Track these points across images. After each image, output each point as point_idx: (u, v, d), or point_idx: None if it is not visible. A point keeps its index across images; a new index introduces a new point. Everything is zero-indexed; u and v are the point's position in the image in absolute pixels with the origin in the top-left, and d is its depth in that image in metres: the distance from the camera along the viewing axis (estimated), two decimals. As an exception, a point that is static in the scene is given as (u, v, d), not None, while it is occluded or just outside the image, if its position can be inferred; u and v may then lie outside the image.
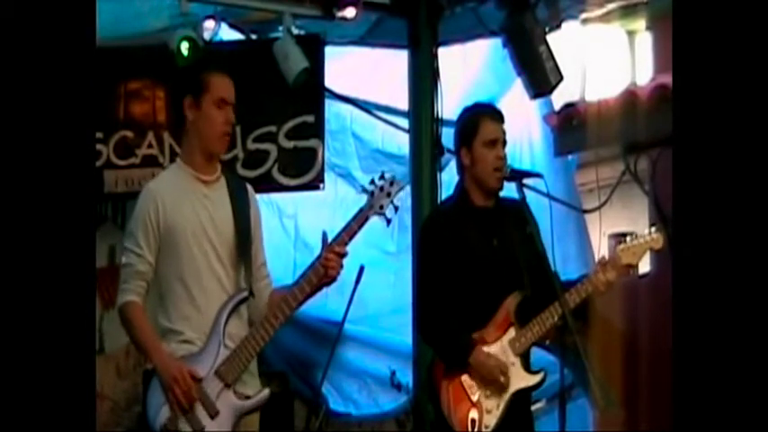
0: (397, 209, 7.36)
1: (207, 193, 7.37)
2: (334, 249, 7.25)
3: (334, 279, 7.28)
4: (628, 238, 8.35)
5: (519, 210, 8.06)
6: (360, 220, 7.29)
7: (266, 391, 7.35)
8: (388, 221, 7.35)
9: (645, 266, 8.95)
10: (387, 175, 7.41)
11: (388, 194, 7.32)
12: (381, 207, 7.29)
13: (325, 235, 7.35)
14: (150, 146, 10.32)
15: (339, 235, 7.31)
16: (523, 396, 8.21)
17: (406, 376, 10.12)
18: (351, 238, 7.29)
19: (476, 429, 8.05)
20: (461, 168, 8.21)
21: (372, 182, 7.36)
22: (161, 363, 7.27)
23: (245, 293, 7.33)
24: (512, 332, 8.00)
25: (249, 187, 7.54)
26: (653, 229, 8.43)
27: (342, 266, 7.25)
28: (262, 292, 7.41)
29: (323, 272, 7.22)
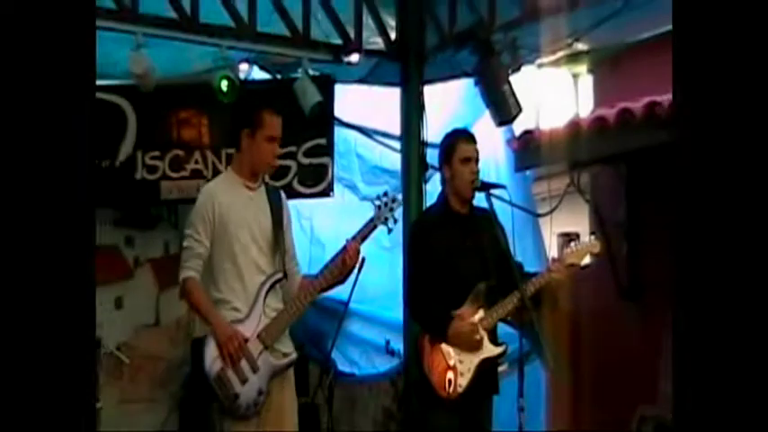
0: (396, 221, 7.75)
1: (252, 197, 7.72)
2: (355, 245, 7.71)
3: (353, 268, 7.71)
4: (573, 244, 8.55)
5: (488, 216, 8.24)
6: (370, 227, 7.73)
7: (295, 355, 7.69)
8: (390, 230, 7.79)
9: (587, 260, 8.98)
10: (389, 194, 7.81)
11: (391, 209, 7.72)
12: (386, 219, 7.70)
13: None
14: (197, 162, 10.53)
15: (360, 233, 7.74)
16: (490, 363, 8.34)
17: (398, 345, 10.22)
18: (363, 239, 7.70)
19: (451, 387, 8.20)
20: (443, 181, 8.39)
21: (378, 197, 7.77)
22: (218, 324, 7.55)
23: (281, 275, 7.65)
24: (481, 312, 8.19)
25: (283, 195, 7.94)
26: (592, 237, 8.68)
27: (357, 259, 7.67)
28: (292, 276, 7.73)
29: (342, 262, 7.64)
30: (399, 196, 7.94)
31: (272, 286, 7.64)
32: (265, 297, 7.59)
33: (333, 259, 7.67)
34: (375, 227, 7.73)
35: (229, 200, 7.65)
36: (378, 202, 7.77)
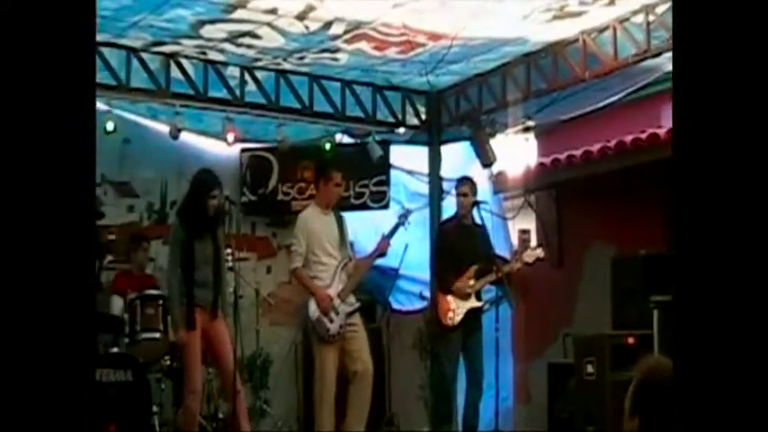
0: (409, 223, 8.29)
1: (325, 219, 8.06)
2: (385, 241, 8.11)
3: (384, 254, 8.16)
4: (528, 251, 8.82)
5: (481, 225, 8.61)
6: (394, 228, 8.20)
7: (357, 303, 8.11)
8: (406, 229, 8.26)
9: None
10: (404, 209, 8.52)
11: (405, 218, 8.25)
12: (403, 224, 8.20)
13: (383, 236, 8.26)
14: (311, 190, 10.43)
15: (388, 235, 8.16)
16: (476, 311, 8.69)
17: (427, 293, 10.20)
18: (391, 236, 8.15)
19: (450, 321, 8.61)
20: (456, 205, 8.88)
21: (400, 214, 8.35)
22: (316, 291, 7.93)
23: (347, 260, 8.06)
24: (472, 281, 8.65)
25: (343, 215, 8.27)
26: (539, 248, 8.85)
27: (387, 247, 8.11)
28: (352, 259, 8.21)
29: (379, 251, 8.16)
30: (411, 211, 8.46)
31: (343, 267, 7.99)
32: (340, 273, 7.96)
33: (375, 248, 8.12)
34: (397, 228, 8.15)
35: (314, 221, 8.00)
36: (399, 213, 8.36)
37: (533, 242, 9.50)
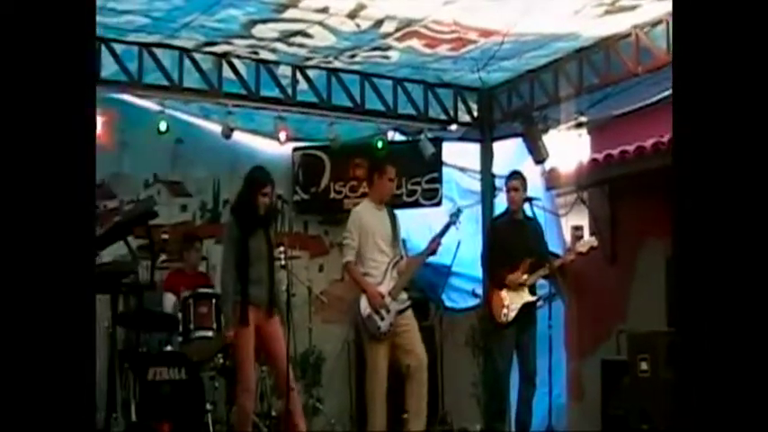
0: (460, 222, 8.20)
1: (379, 215, 8.07)
2: (436, 241, 8.07)
3: (435, 253, 8.10)
4: (581, 240, 8.87)
5: (533, 219, 8.60)
6: (445, 228, 8.13)
7: (408, 301, 8.05)
8: (457, 228, 8.19)
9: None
10: (455, 209, 8.37)
11: (457, 216, 8.16)
12: (454, 223, 8.12)
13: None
14: (363, 188, 10.40)
15: (439, 234, 8.10)
16: (530, 306, 8.56)
17: (479, 291, 10.14)
18: (442, 235, 8.09)
19: (504, 318, 8.52)
20: (507, 200, 8.81)
21: (451, 212, 8.32)
22: (369, 288, 7.90)
23: (398, 258, 8.04)
24: (525, 276, 8.53)
25: (395, 212, 8.26)
26: (593, 237, 8.89)
27: (438, 247, 8.06)
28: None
29: (431, 250, 8.11)
30: (462, 211, 8.33)
31: (394, 265, 7.96)
32: (392, 270, 7.94)
33: (426, 248, 8.09)
34: (449, 227, 8.07)
35: (367, 216, 8.01)
36: (451, 212, 8.27)
37: (586, 238, 9.42)
